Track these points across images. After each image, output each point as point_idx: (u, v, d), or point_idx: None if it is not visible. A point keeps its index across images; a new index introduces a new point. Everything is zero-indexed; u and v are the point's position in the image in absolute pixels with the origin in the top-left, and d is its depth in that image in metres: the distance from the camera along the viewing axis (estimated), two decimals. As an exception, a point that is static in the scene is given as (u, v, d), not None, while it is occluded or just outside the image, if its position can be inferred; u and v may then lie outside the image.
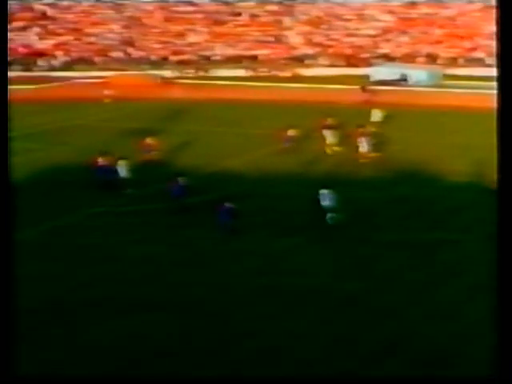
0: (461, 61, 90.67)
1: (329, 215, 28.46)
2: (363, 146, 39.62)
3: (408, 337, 18.57)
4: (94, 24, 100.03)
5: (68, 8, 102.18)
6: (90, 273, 23.53)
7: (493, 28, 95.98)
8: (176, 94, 68.85)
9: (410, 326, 19.20)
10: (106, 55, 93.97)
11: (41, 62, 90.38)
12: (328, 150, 41.44)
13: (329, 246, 26.02)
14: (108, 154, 34.56)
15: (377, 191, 33.37)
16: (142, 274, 23.37)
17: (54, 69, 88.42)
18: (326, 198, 28.64)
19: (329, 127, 42.95)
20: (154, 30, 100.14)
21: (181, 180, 30.46)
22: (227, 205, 27.47)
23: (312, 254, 25.34)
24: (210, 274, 23.35)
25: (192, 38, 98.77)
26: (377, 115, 49.48)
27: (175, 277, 23.12)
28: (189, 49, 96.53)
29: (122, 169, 33.79)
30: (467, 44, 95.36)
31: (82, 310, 20.42)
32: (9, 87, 10.38)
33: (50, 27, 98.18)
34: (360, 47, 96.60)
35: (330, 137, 42.19)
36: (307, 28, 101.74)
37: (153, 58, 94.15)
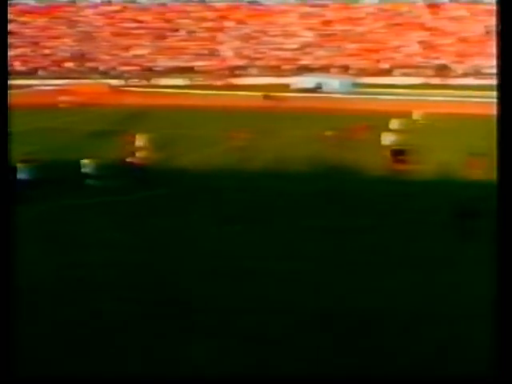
0: (369, 71, 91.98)
1: (88, 180, 31.45)
2: None
3: (339, 310, 18.61)
4: (50, 38, 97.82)
5: (25, 23, 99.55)
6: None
7: (395, 43, 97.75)
8: (125, 100, 67.89)
9: (340, 301, 19.29)
10: (60, 66, 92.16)
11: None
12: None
13: (266, 232, 25.71)
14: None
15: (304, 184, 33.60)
16: (104, 258, 22.70)
17: (12, 78, 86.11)
18: (87, 166, 31.87)
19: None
20: (104, 44, 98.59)
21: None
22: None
23: (251, 239, 24.93)
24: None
25: (137, 51, 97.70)
26: (395, 124, 48.18)
27: (134, 260, 22.45)
28: (134, 60, 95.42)
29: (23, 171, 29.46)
30: (375, 56, 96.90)
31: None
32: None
33: (10, 41, 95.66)
34: (284, 59, 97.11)
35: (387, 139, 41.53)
36: (238, 43, 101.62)
37: (102, 68, 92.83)
